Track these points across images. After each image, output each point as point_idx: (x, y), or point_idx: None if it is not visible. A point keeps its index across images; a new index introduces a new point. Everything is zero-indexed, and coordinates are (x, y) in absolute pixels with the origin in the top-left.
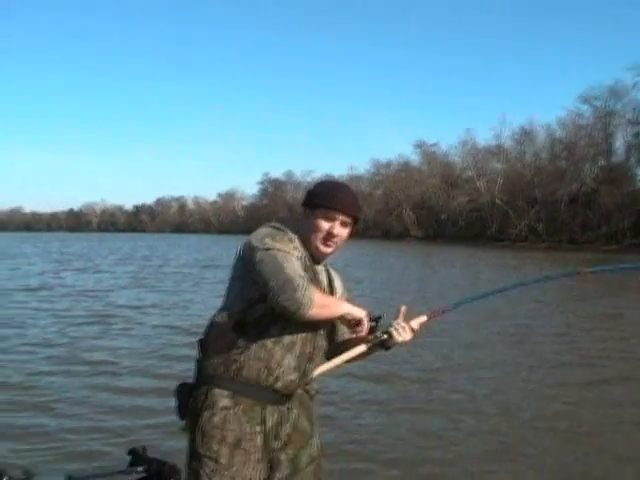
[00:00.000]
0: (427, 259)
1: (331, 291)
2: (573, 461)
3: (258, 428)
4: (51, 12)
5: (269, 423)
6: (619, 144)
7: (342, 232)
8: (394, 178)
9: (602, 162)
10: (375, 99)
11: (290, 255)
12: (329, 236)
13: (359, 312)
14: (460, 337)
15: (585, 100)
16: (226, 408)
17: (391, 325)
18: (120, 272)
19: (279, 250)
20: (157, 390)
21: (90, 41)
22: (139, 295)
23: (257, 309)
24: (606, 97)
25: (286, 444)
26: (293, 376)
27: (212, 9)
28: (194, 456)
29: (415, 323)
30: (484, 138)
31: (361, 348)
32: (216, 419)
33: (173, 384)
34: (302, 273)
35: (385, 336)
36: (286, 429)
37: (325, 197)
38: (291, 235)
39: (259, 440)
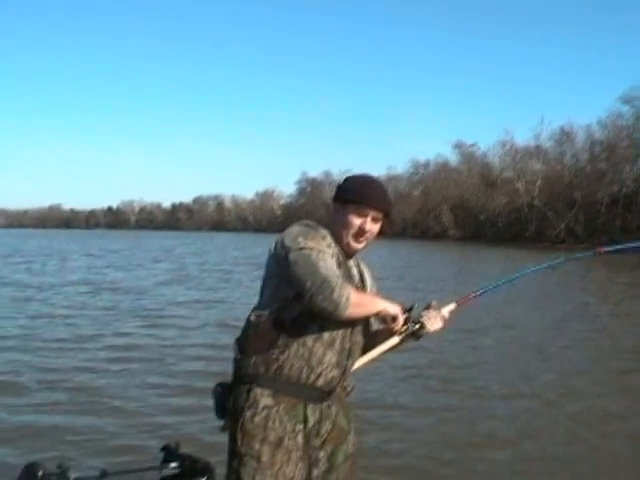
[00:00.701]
0: (464, 258)
1: (362, 285)
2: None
3: (300, 426)
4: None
5: (311, 421)
6: None
7: (373, 228)
8: (433, 178)
9: None
10: (413, 99)
11: (324, 253)
12: (361, 232)
13: (394, 308)
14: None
15: (626, 101)
16: (268, 407)
17: (422, 315)
18: (167, 269)
19: (312, 249)
20: (191, 388)
21: (133, 38)
22: (186, 292)
23: (294, 307)
24: None
25: (325, 441)
26: (335, 373)
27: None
28: (235, 455)
29: (445, 311)
30: (523, 139)
31: (394, 340)
32: (258, 418)
33: (211, 383)
34: (338, 272)
35: (417, 326)
36: (326, 426)
37: (356, 192)
38: (323, 232)
39: (300, 438)
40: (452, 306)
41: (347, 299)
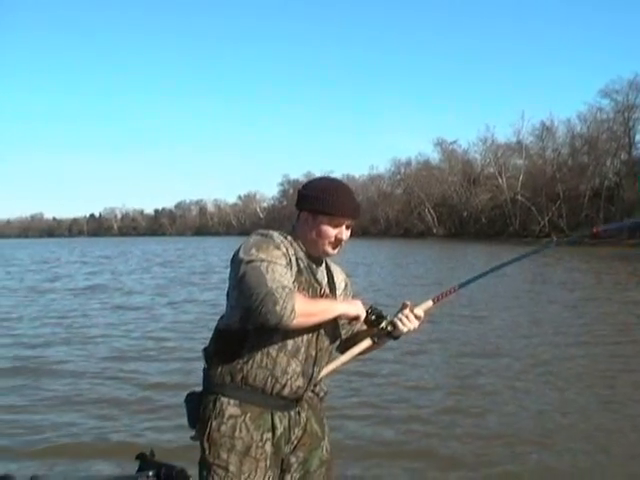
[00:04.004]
0: (447, 255)
1: (331, 289)
2: None
3: (267, 435)
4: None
5: (279, 429)
6: None
7: (347, 234)
8: (415, 177)
9: (624, 156)
10: (393, 98)
11: (273, 264)
12: (337, 242)
13: (352, 309)
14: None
15: (606, 94)
16: (234, 417)
17: (396, 315)
18: (161, 273)
19: (262, 260)
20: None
21: (106, 41)
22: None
23: (256, 319)
24: (627, 91)
25: (296, 447)
26: (300, 382)
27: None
28: (204, 465)
29: (419, 310)
30: (504, 135)
31: (367, 342)
32: (224, 428)
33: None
34: (286, 282)
35: (390, 327)
36: (296, 432)
37: (328, 204)
38: (277, 241)
39: (269, 447)
40: (429, 304)
41: (292, 310)
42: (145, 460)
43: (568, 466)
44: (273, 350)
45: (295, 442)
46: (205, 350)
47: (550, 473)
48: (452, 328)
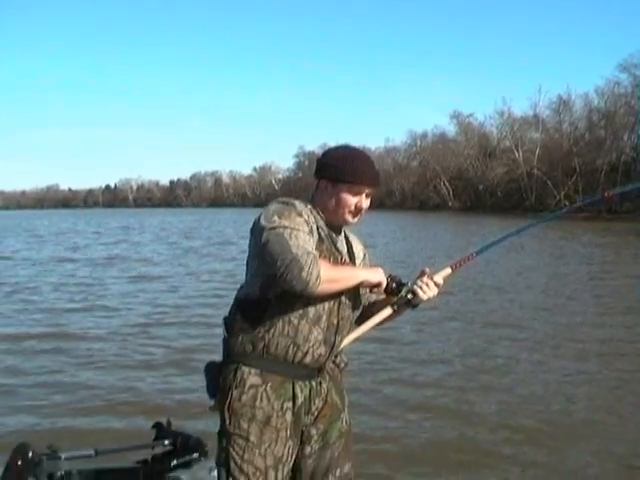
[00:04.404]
0: (464, 228)
1: (351, 258)
2: None
3: (288, 404)
4: None
5: (299, 399)
6: None
7: (367, 203)
8: (430, 149)
9: None
10: (409, 70)
11: (297, 231)
12: (357, 210)
13: (375, 276)
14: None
15: (624, 68)
16: (255, 386)
17: (415, 283)
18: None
19: (285, 227)
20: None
21: (124, 18)
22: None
23: (277, 285)
24: None
25: (317, 418)
26: (322, 350)
27: None
28: (224, 435)
29: (439, 277)
30: (520, 108)
31: (387, 311)
32: (245, 397)
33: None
34: (310, 249)
35: (410, 295)
36: (317, 403)
37: (349, 172)
38: (300, 208)
39: (289, 416)
40: (447, 271)
41: (317, 276)
42: (162, 429)
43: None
44: (295, 318)
45: (315, 413)
46: (225, 319)
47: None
48: (471, 300)
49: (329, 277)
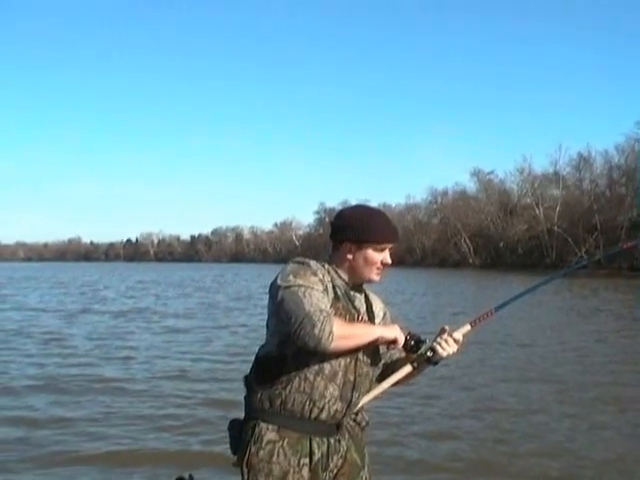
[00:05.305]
0: (484, 285)
1: (370, 316)
2: None
3: (305, 460)
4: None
5: (316, 455)
6: None
7: (389, 258)
8: (451, 207)
9: None
10: (430, 127)
11: (311, 289)
12: (382, 266)
13: (390, 333)
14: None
15: None
16: (272, 442)
17: (435, 340)
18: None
19: (300, 286)
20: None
21: (136, 71)
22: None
23: (293, 343)
24: None
25: (336, 477)
26: (338, 406)
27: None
28: None
29: (458, 334)
30: (541, 165)
31: (407, 369)
32: (262, 453)
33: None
34: (324, 306)
35: (430, 353)
36: (335, 461)
37: (374, 232)
38: (315, 268)
39: (306, 472)
40: (466, 328)
41: (330, 333)
42: None
43: None
44: (310, 374)
45: (335, 471)
46: (246, 378)
47: None
48: (490, 354)
49: (342, 334)
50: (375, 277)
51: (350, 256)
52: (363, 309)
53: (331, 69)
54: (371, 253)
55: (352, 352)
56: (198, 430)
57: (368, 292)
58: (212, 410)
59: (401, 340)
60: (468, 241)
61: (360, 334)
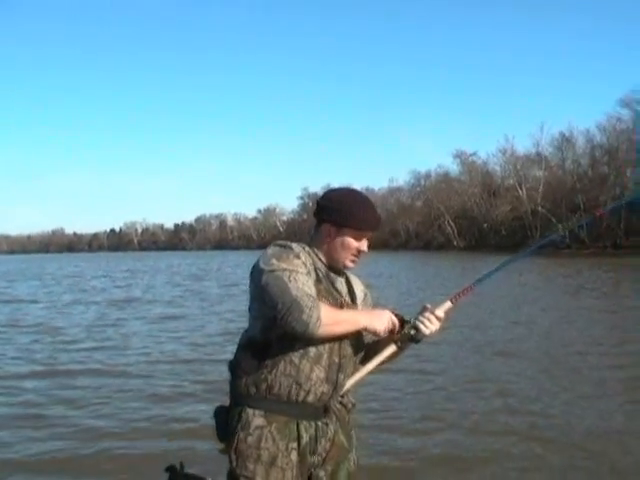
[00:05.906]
0: (469, 267)
1: (351, 299)
2: None
3: (293, 445)
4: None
5: (304, 439)
6: None
7: (366, 246)
8: (434, 189)
9: None
10: (411, 109)
11: (296, 273)
12: (358, 254)
13: (377, 325)
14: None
15: (625, 104)
16: (260, 427)
17: (417, 318)
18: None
19: (284, 270)
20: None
21: (132, 64)
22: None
23: (278, 327)
24: None
25: (325, 460)
26: (324, 388)
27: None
28: (232, 477)
29: (440, 311)
30: (523, 146)
31: (391, 348)
32: (251, 439)
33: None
34: (310, 291)
35: (413, 331)
36: (323, 444)
37: (357, 219)
38: (297, 250)
39: (294, 456)
40: (447, 304)
41: (317, 319)
42: (175, 472)
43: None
44: (295, 357)
45: (323, 454)
46: (230, 363)
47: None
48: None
49: (329, 320)
50: (349, 263)
51: (329, 238)
52: (345, 291)
53: (313, 57)
54: (348, 239)
55: (330, 338)
56: (191, 416)
57: (349, 274)
58: (203, 396)
59: (395, 327)
60: (452, 223)
61: (346, 321)
